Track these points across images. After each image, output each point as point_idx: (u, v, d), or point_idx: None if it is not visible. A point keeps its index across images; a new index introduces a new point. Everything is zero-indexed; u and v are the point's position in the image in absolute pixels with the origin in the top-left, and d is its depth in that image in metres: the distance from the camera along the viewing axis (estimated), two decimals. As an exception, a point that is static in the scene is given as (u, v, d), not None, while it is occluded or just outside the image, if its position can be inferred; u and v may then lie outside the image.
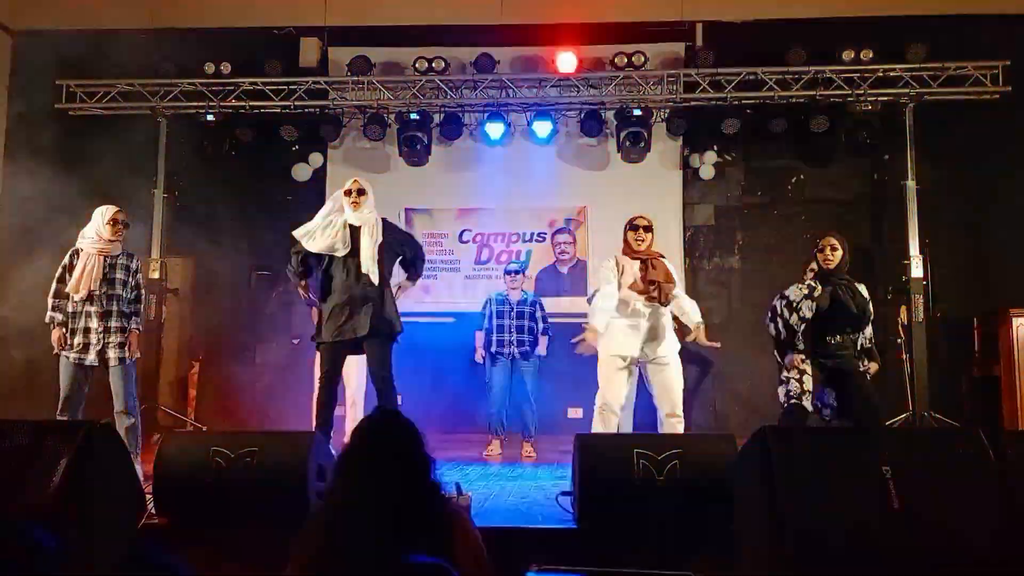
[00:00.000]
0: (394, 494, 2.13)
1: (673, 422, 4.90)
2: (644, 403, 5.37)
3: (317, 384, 4.92)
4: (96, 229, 5.04)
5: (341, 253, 4.76)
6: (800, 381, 4.86)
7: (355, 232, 4.80)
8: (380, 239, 4.80)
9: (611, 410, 4.90)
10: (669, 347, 4.98)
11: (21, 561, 2.11)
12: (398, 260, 5.05)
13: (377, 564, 2.02)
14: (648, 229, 5.07)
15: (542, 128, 8.30)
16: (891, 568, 2.79)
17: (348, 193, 4.85)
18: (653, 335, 4.94)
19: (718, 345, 5.35)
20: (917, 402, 7.19)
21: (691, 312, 5.13)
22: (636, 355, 4.92)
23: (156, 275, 8.09)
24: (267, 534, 3.31)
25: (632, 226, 5.08)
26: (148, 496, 3.74)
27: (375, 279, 4.72)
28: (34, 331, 5.22)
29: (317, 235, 4.79)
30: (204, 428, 7.60)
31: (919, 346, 7.34)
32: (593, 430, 4.90)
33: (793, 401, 4.85)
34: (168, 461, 3.73)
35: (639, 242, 5.03)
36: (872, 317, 5.03)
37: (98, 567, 3.11)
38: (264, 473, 3.60)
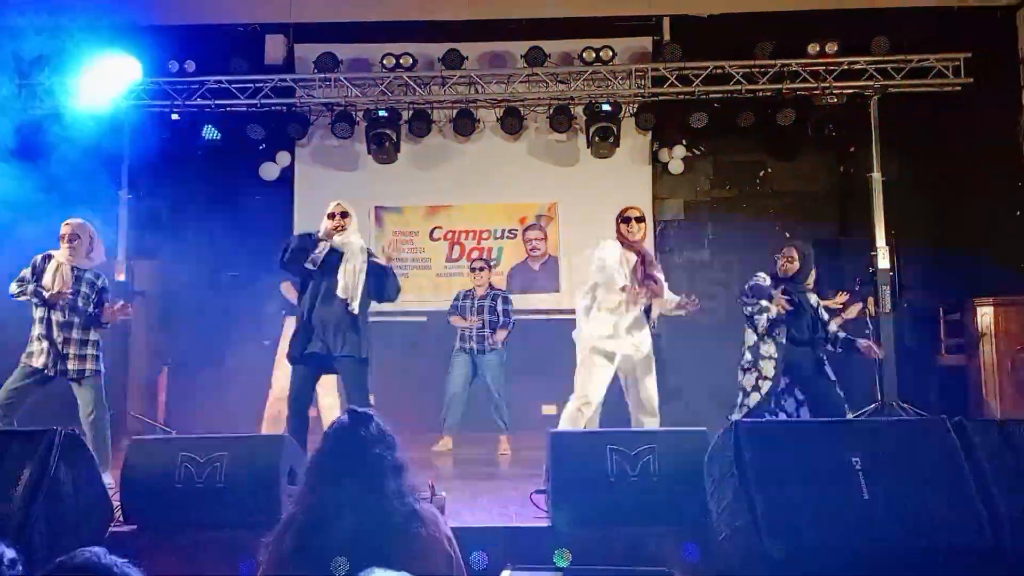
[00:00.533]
0: (365, 497, 2.12)
1: (653, 422, 4.90)
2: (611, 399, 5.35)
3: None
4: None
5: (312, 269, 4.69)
6: (758, 370, 4.98)
7: (335, 254, 4.73)
8: (364, 267, 4.74)
9: (590, 407, 4.85)
10: (648, 344, 4.97)
11: None
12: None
13: (348, 567, 2.00)
14: (641, 220, 5.06)
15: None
16: (863, 557, 2.82)
17: (331, 216, 4.81)
18: (637, 330, 4.92)
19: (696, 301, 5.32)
20: (885, 392, 7.28)
21: (668, 297, 5.12)
22: (624, 351, 4.88)
23: (122, 278, 7.95)
24: (238, 538, 3.28)
25: (624, 218, 5.05)
26: (116, 503, 3.68)
27: (354, 307, 4.68)
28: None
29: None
30: (174, 432, 7.50)
31: (887, 336, 7.42)
32: (562, 427, 4.87)
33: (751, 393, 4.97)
34: (135, 467, 3.67)
35: (632, 233, 5.01)
36: (825, 322, 5.13)
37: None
38: (234, 478, 3.56)
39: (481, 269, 7.02)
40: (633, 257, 4.99)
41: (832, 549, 2.82)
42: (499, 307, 6.90)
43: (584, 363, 4.95)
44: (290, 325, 6.72)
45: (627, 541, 3.37)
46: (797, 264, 5.15)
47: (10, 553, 2.19)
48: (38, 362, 4.83)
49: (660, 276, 4.99)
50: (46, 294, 4.83)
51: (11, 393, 4.78)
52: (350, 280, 4.69)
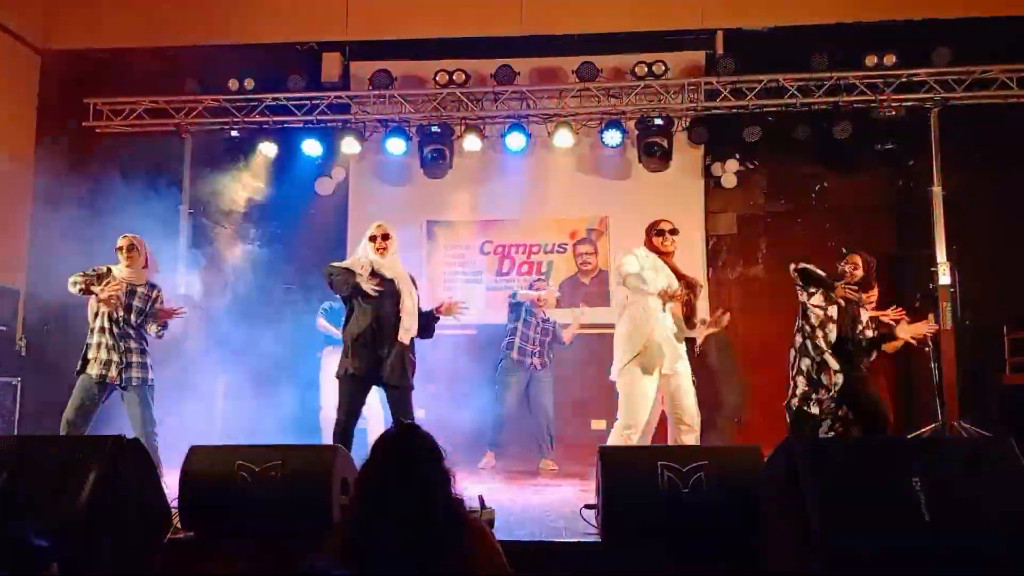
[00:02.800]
0: (413, 508, 2.14)
1: (686, 433, 4.83)
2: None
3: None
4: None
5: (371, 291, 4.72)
6: (807, 384, 4.88)
7: (389, 282, 4.76)
8: (415, 294, 4.80)
9: (636, 429, 4.79)
10: (684, 356, 4.94)
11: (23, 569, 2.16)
12: None
13: (404, 570, 2.03)
14: (674, 232, 5.03)
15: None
16: (923, 581, 2.75)
17: (373, 239, 4.84)
18: (673, 344, 4.89)
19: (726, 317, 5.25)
20: (946, 412, 7.07)
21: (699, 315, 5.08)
22: (662, 368, 4.85)
23: (183, 290, 8.16)
24: (291, 547, 3.33)
25: (658, 231, 5.02)
26: (174, 510, 3.76)
27: (409, 336, 4.73)
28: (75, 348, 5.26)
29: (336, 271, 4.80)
30: (230, 442, 7.63)
31: (948, 354, 7.23)
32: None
33: (796, 404, 4.87)
34: (194, 475, 3.75)
35: (666, 246, 4.99)
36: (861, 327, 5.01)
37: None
38: (289, 486, 3.61)
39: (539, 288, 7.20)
40: (665, 267, 4.94)
41: (890, 572, 2.75)
42: (556, 330, 6.99)
43: (624, 385, 4.91)
44: (327, 356, 6.87)
45: (677, 557, 3.33)
46: (861, 271, 5.03)
47: (44, 544, 2.29)
48: (93, 371, 4.97)
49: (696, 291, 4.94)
50: (101, 294, 4.96)
51: (76, 405, 4.93)
52: (409, 316, 4.72)
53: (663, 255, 4.99)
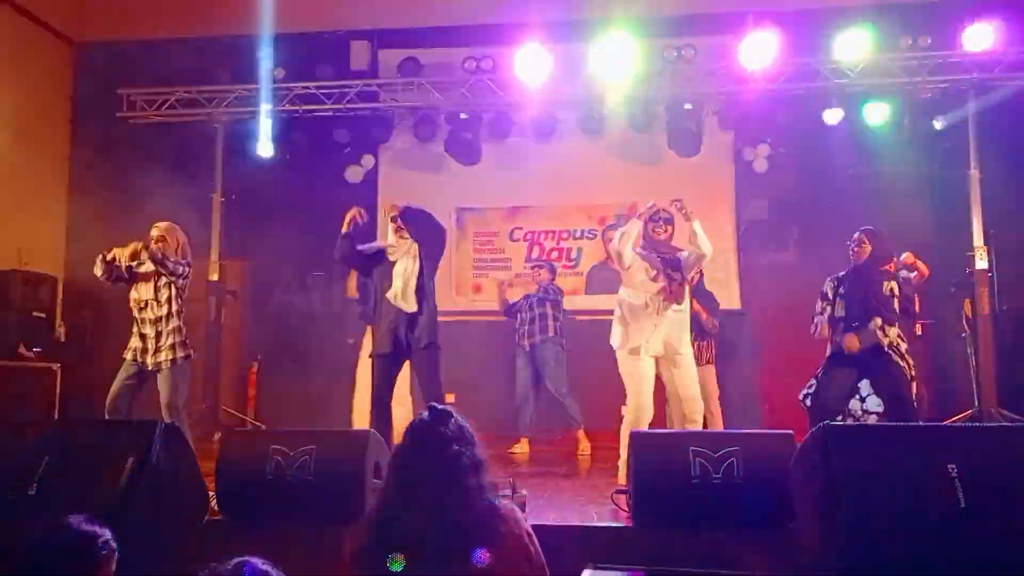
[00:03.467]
0: (444, 494, 2.14)
1: (690, 423, 4.83)
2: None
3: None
4: None
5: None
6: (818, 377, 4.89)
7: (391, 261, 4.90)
8: (417, 268, 4.82)
9: (646, 411, 4.81)
10: (686, 344, 4.92)
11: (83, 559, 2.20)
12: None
13: (428, 563, 2.04)
14: (669, 222, 5.01)
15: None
16: (957, 568, 2.72)
17: (394, 220, 4.93)
18: (670, 331, 4.86)
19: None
20: (983, 398, 6.98)
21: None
22: (658, 351, 4.84)
23: (215, 277, 8.27)
24: (325, 531, 3.37)
25: (651, 218, 5.02)
26: (211, 494, 3.83)
27: (411, 308, 4.77)
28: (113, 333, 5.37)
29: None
30: (263, 427, 7.75)
31: (985, 340, 7.12)
32: (623, 434, 4.80)
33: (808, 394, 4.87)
34: (229, 460, 3.81)
35: (658, 232, 4.99)
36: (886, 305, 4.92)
37: (165, 563, 3.21)
38: (322, 471, 3.66)
39: (539, 267, 7.22)
40: (656, 256, 4.92)
41: (925, 559, 2.73)
42: (549, 300, 7.06)
43: (622, 370, 4.91)
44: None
45: (709, 543, 3.33)
46: (868, 247, 4.95)
47: (106, 535, 2.33)
48: (128, 355, 5.09)
49: (682, 284, 4.90)
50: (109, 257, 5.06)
51: (116, 388, 5.04)
52: (400, 285, 4.80)
53: (656, 242, 5.01)
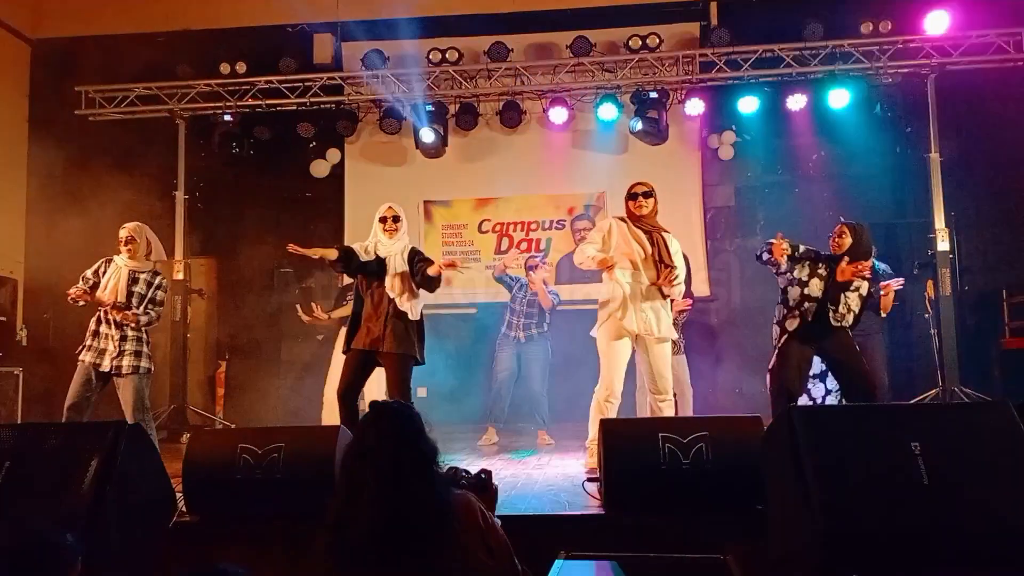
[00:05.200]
0: (391, 490, 2.13)
1: (660, 403, 4.80)
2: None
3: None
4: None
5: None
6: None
7: (382, 261, 4.85)
8: (405, 269, 4.82)
9: (614, 397, 4.80)
10: (664, 325, 4.86)
11: (45, 565, 2.16)
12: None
13: (384, 562, 2.03)
14: (648, 195, 4.95)
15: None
16: (923, 544, 2.76)
17: (383, 220, 4.90)
18: (649, 310, 4.83)
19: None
20: (947, 377, 7.10)
21: (678, 291, 5.00)
22: (634, 330, 4.80)
23: (180, 276, 8.17)
24: (296, 529, 3.35)
25: (631, 194, 4.97)
26: (179, 494, 3.78)
27: (403, 308, 4.77)
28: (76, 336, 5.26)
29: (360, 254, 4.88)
30: (232, 426, 7.67)
31: (947, 320, 7.24)
32: (592, 417, 4.81)
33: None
34: (196, 459, 3.76)
35: (640, 208, 4.93)
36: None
37: (134, 566, 3.17)
38: (291, 468, 3.62)
39: (533, 268, 7.14)
40: (642, 234, 4.89)
41: (891, 534, 2.77)
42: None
43: (603, 347, 4.89)
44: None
45: (681, 528, 3.35)
46: (848, 239, 4.95)
47: (69, 539, 2.30)
48: (87, 357, 4.98)
49: (677, 268, 4.87)
50: (101, 296, 4.97)
51: (75, 392, 4.94)
52: (392, 285, 4.80)
53: (638, 219, 4.94)
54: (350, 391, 4.79)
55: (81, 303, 4.95)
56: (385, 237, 4.88)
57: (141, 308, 5.07)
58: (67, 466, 3.31)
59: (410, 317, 4.81)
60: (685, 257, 5.21)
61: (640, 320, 4.79)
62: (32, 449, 3.42)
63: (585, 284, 8.21)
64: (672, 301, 5.05)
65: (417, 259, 4.89)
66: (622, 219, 5.00)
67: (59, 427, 3.63)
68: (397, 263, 4.85)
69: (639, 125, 8.01)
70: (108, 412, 5.07)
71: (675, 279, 4.83)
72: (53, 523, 2.39)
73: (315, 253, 4.75)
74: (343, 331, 6.93)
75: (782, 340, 4.98)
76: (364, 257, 4.83)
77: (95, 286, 5.04)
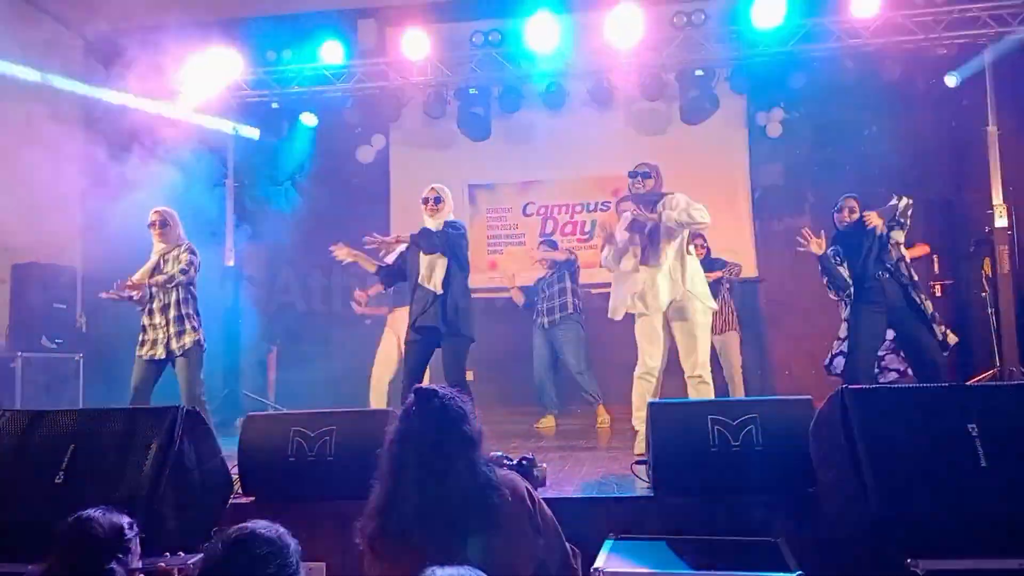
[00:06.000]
0: (435, 475, 2.15)
1: (696, 384, 4.76)
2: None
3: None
4: None
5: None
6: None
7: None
8: (444, 259, 4.89)
9: (653, 375, 4.82)
10: (691, 301, 4.81)
11: (106, 547, 2.24)
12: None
13: (430, 545, 2.05)
14: (647, 175, 4.95)
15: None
16: (979, 526, 2.71)
17: (425, 201, 5.01)
18: (661, 286, 4.79)
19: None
20: (1005, 357, 6.91)
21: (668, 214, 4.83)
22: (659, 308, 4.79)
23: (231, 263, 8.31)
24: (347, 509, 3.41)
25: (630, 174, 5.02)
26: (234, 476, 3.87)
27: (437, 287, 4.86)
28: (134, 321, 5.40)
29: None
30: (284, 409, 7.81)
31: (1005, 298, 7.04)
32: (636, 399, 4.83)
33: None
34: (251, 442, 3.85)
35: (636, 188, 4.96)
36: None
37: (191, 547, 3.26)
38: (342, 451, 3.68)
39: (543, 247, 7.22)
40: (628, 206, 4.94)
41: (946, 518, 2.72)
42: (565, 272, 6.98)
43: (638, 331, 4.92)
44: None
45: (730, 511, 3.33)
46: (857, 215, 5.07)
47: (128, 521, 2.37)
48: (142, 352, 5.12)
49: (656, 210, 4.82)
50: (126, 292, 5.11)
51: (133, 386, 5.09)
52: (424, 268, 4.90)
53: (639, 196, 4.97)
54: (412, 379, 4.85)
55: (128, 298, 5.09)
56: (428, 217, 4.97)
57: (177, 283, 5.17)
58: (128, 450, 3.41)
59: (450, 294, 4.85)
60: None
61: (651, 298, 4.78)
62: (94, 433, 3.53)
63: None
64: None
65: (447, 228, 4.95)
66: (622, 199, 5.04)
67: (120, 412, 3.73)
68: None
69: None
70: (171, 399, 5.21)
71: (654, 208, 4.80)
72: (114, 505, 2.46)
73: (392, 246, 4.86)
74: (393, 314, 7.05)
75: None
76: (393, 259, 5.05)
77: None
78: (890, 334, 5.40)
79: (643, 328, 4.88)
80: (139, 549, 2.43)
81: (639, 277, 4.85)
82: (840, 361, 5.05)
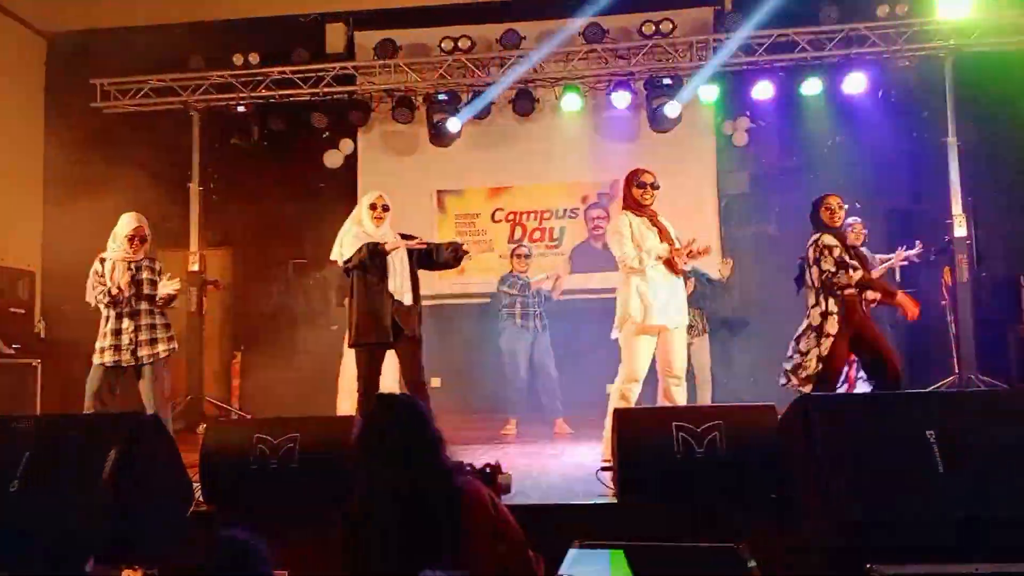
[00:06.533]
0: (397, 481, 2.14)
1: (676, 387, 4.71)
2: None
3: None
4: (120, 240, 5.11)
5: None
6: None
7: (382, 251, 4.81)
8: (408, 260, 4.81)
9: (638, 384, 4.72)
10: (684, 315, 4.80)
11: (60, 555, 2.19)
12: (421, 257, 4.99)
13: (398, 551, 2.04)
14: (656, 187, 4.82)
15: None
16: (939, 529, 2.76)
17: (373, 207, 4.90)
18: (675, 300, 4.75)
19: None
20: (963, 365, 7.04)
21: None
22: (663, 323, 4.69)
23: (195, 267, 8.21)
24: (311, 518, 3.37)
25: (639, 183, 4.81)
26: (195, 484, 3.81)
27: (408, 300, 4.77)
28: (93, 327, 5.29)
29: (346, 244, 4.85)
30: (248, 416, 7.73)
31: (964, 307, 7.17)
32: (611, 406, 4.73)
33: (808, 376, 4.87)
34: (213, 450, 3.80)
35: (646, 198, 4.80)
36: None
37: (151, 555, 3.21)
38: (307, 458, 3.65)
39: (528, 256, 7.17)
40: (649, 223, 4.77)
41: (907, 522, 2.76)
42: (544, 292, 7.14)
43: (628, 342, 4.80)
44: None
45: (694, 517, 3.35)
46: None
47: (84, 530, 2.32)
48: (105, 358, 4.99)
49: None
50: (114, 292, 5.00)
51: (93, 391, 4.96)
52: (399, 278, 4.78)
53: (642, 207, 4.81)
54: (373, 384, 4.78)
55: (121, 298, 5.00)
56: (373, 225, 4.86)
57: (149, 294, 5.09)
58: (86, 457, 3.35)
59: (406, 303, 4.79)
60: None
61: (662, 314, 4.70)
62: (52, 440, 3.46)
63: (599, 272, 8.20)
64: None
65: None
66: (626, 211, 4.92)
67: (79, 418, 3.67)
68: (398, 255, 4.83)
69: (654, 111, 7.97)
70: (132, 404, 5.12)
71: (695, 247, 4.71)
72: (72, 513, 2.41)
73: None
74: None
75: None
76: (347, 249, 4.82)
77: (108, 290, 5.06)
78: None
79: (646, 348, 4.72)
80: (93, 558, 2.38)
81: (673, 285, 4.75)
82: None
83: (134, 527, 3.26)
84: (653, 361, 4.77)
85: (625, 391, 4.73)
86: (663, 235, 4.78)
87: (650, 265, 4.67)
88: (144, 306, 5.09)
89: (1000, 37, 7.42)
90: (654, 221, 4.82)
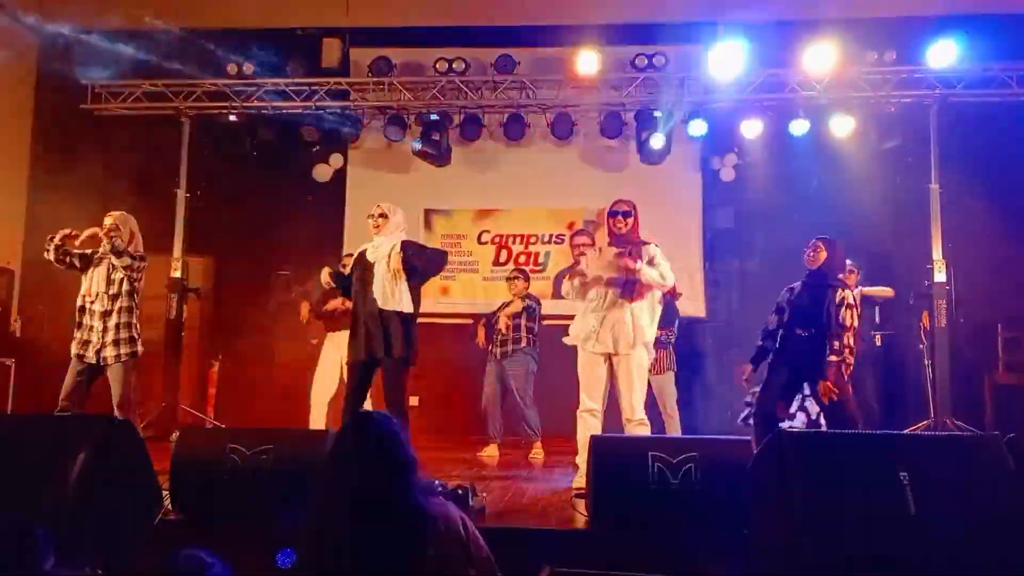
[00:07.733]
0: (368, 502, 2.13)
1: (634, 428, 4.67)
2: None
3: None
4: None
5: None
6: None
7: (369, 266, 4.81)
8: (398, 266, 4.72)
9: (595, 412, 4.73)
10: (634, 342, 4.74)
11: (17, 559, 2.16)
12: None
13: (360, 563, 2.03)
14: (628, 215, 4.85)
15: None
16: (909, 571, 2.77)
17: (370, 216, 4.90)
18: (618, 327, 4.74)
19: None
20: (938, 409, 7.09)
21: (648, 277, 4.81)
22: (607, 348, 4.74)
23: (178, 274, 8.16)
24: (280, 531, 3.33)
25: (610, 212, 4.89)
26: (164, 491, 3.77)
27: (388, 305, 4.70)
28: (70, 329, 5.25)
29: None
30: (223, 426, 7.65)
31: (941, 352, 7.23)
32: (580, 434, 4.72)
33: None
34: (184, 457, 3.76)
35: (618, 227, 4.84)
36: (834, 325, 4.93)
37: (114, 561, 3.16)
38: (280, 470, 3.61)
39: (515, 278, 7.14)
40: (612, 251, 4.82)
41: (877, 562, 2.77)
42: (523, 322, 6.99)
43: (579, 369, 4.87)
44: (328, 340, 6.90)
45: (666, 547, 3.34)
46: (824, 254, 5.12)
47: (41, 533, 2.29)
48: (73, 348, 4.99)
49: (639, 260, 4.73)
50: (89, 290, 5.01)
51: (67, 383, 4.94)
52: (379, 286, 4.73)
53: (617, 237, 4.87)
54: (357, 403, 4.74)
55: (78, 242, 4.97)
56: (373, 233, 4.88)
57: (125, 289, 5.07)
58: (55, 458, 3.31)
59: (399, 317, 4.75)
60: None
61: (606, 340, 4.74)
62: (19, 440, 3.42)
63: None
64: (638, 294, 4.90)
65: (411, 251, 4.79)
66: (578, 233, 5.05)
67: (48, 419, 3.62)
68: (386, 264, 4.76)
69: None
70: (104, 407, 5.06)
71: (636, 261, 4.72)
72: (33, 515, 2.37)
73: None
74: (329, 335, 6.94)
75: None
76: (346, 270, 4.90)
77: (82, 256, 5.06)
78: None
79: (588, 366, 4.82)
80: (53, 562, 2.33)
81: (603, 316, 4.79)
82: None
83: (99, 529, 3.22)
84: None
85: (581, 416, 4.78)
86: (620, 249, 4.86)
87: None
88: (117, 305, 5.06)
89: (985, 89, 7.56)
90: (622, 255, 4.86)
